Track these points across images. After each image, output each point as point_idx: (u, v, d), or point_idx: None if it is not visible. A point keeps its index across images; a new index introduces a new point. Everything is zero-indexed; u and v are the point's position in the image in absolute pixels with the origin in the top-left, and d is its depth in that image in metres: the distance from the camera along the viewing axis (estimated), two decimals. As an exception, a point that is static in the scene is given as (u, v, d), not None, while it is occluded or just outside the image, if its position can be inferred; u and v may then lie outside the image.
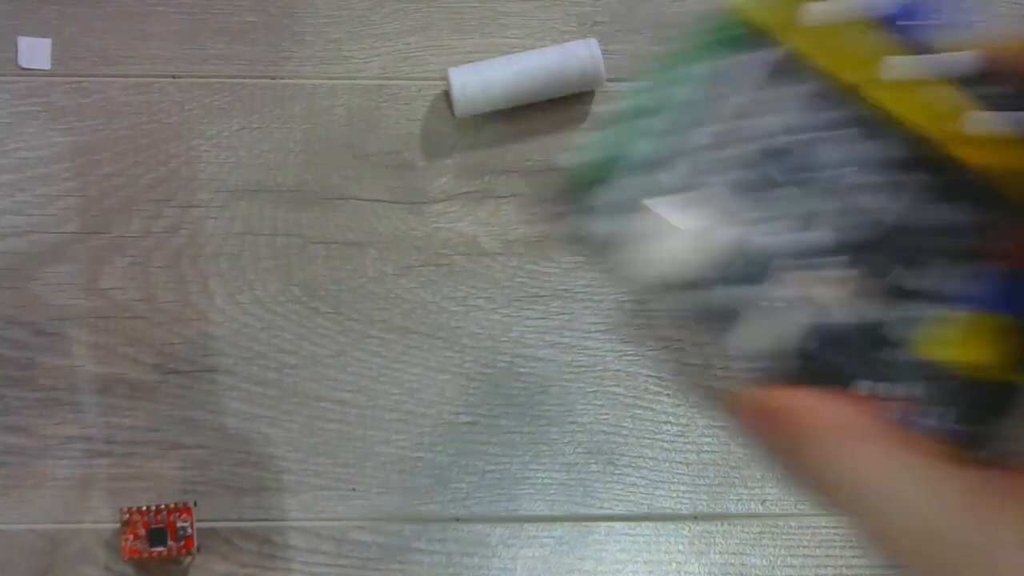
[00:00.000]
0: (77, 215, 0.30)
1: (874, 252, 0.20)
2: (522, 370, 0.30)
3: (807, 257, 0.20)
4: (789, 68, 0.20)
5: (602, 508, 0.30)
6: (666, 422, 0.30)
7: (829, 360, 0.20)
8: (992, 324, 0.19)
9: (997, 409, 0.20)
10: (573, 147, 0.21)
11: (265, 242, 0.30)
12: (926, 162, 0.19)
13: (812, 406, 0.20)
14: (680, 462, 0.30)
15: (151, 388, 0.30)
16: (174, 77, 0.31)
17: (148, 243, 0.30)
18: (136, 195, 0.30)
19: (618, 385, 0.31)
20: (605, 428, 0.30)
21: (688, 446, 0.30)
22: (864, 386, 0.20)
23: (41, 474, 0.29)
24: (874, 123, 0.20)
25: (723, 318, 0.20)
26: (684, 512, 0.30)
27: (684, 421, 0.31)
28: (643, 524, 0.30)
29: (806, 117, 0.20)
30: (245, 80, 0.31)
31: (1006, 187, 0.19)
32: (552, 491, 0.30)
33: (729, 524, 0.30)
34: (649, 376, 0.31)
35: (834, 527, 0.30)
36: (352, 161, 0.31)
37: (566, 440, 0.30)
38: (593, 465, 0.30)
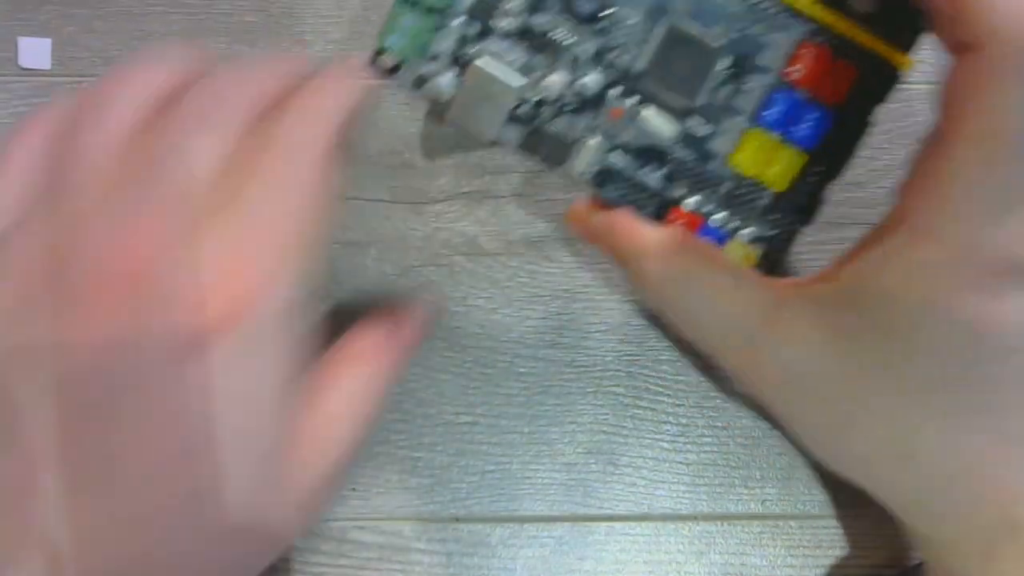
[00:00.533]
0: (77, 215, 0.30)
1: (686, 73, 0.23)
2: (522, 370, 0.31)
3: (626, 84, 0.23)
4: None
5: (602, 508, 0.30)
6: (666, 422, 0.30)
7: (652, 180, 0.23)
8: (779, 144, 0.23)
9: (787, 224, 0.24)
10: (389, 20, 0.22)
11: (265, 242, 0.30)
12: None
13: (629, 227, 0.24)
14: (680, 462, 0.30)
15: (151, 388, 0.30)
16: (174, 77, 0.31)
17: (148, 243, 0.30)
18: (136, 195, 0.30)
19: (618, 385, 0.31)
20: (605, 428, 0.30)
21: (688, 446, 0.30)
22: (688, 204, 0.23)
23: (41, 474, 0.29)
24: None
25: (558, 148, 0.23)
26: (684, 512, 0.30)
27: (684, 421, 0.31)
28: (643, 524, 0.30)
29: None
30: (245, 80, 0.31)
31: (802, 9, 0.22)
32: (552, 491, 0.30)
33: (729, 524, 0.30)
34: (649, 376, 0.31)
35: (834, 527, 0.30)
36: (352, 161, 0.31)
37: (566, 440, 0.30)
38: (593, 465, 0.30)
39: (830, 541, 0.30)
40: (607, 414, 0.30)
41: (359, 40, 0.31)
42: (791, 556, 0.30)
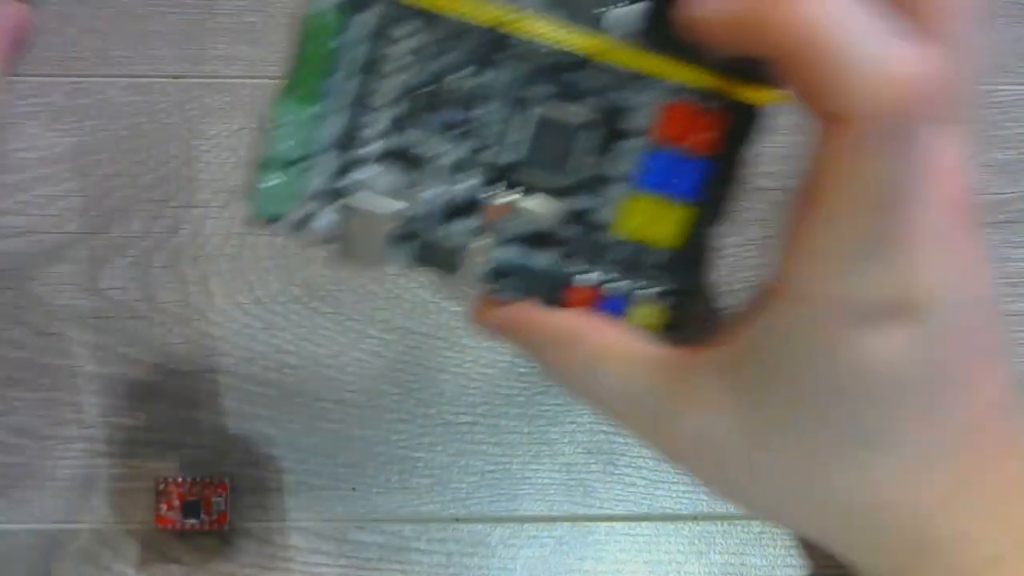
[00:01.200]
0: (77, 215, 0.30)
1: (559, 154, 0.23)
2: (522, 370, 0.31)
3: (503, 179, 0.23)
4: (407, 19, 0.21)
5: (602, 508, 0.30)
6: (666, 422, 0.30)
7: (544, 264, 0.23)
8: (663, 203, 0.23)
9: (688, 277, 0.24)
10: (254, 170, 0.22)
11: (265, 242, 0.30)
12: (569, 67, 0.22)
13: (528, 320, 0.24)
14: (680, 462, 0.30)
15: (151, 388, 0.30)
16: (174, 77, 0.31)
17: (148, 243, 0.30)
18: (136, 195, 0.30)
19: (618, 385, 0.31)
20: (605, 428, 0.30)
21: (688, 446, 0.30)
22: (583, 280, 0.23)
23: (41, 474, 0.29)
24: (507, 46, 0.22)
25: (447, 257, 0.23)
26: (684, 512, 0.30)
27: (684, 421, 0.31)
28: (643, 524, 0.30)
29: (445, 61, 0.22)
30: (245, 80, 0.31)
31: (653, 71, 0.22)
32: (552, 491, 0.30)
33: (729, 524, 0.30)
34: (649, 376, 0.31)
35: (834, 527, 0.30)
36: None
37: (566, 440, 0.30)
38: (593, 465, 0.30)
39: (830, 541, 0.30)
40: (607, 414, 0.30)
41: (359, 40, 0.31)
42: (791, 556, 0.30)
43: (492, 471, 0.30)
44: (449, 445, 0.30)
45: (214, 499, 0.28)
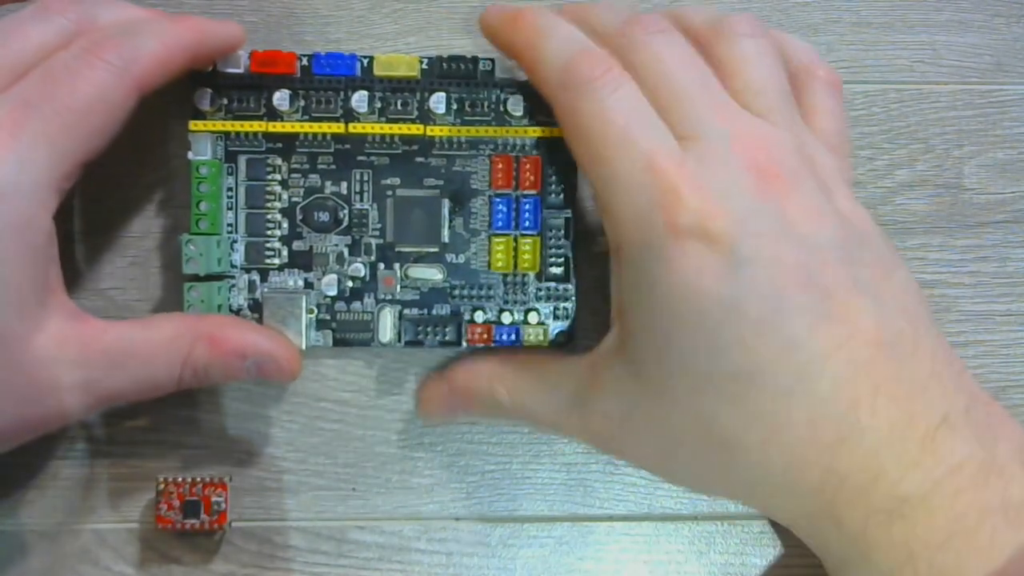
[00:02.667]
0: (77, 215, 0.30)
1: (424, 225, 0.28)
2: (522, 370, 0.30)
3: (386, 256, 0.28)
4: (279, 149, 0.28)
5: (602, 508, 0.30)
6: (666, 422, 0.30)
7: (443, 313, 0.28)
8: (518, 239, 0.28)
9: (557, 288, 0.28)
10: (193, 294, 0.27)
11: (265, 242, 0.30)
12: (414, 154, 0.28)
13: (466, 377, 0.28)
14: (680, 462, 0.30)
15: (151, 388, 0.30)
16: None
17: (148, 243, 0.30)
18: (136, 195, 0.30)
19: (618, 385, 0.31)
20: (605, 428, 0.30)
21: (688, 446, 0.30)
22: (478, 317, 0.28)
23: (41, 474, 0.29)
24: (360, 151, 0.28)
25: (362, 330, 0.28)
26: (684, 512, 0.30)
27: (684, 421, 0.30)
28: (643, 524, 0.30)
29: (312, 178, 0.28)
30: (245, 80, 0.31)
31: (478, 133, 0.28)
32: (552, 491, 0.30)
33: (729, 524, 0.30)
34: (649, 376, 0.31)
35: (834, 527, 0.30)
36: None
37: (566, 440, 0.30)
38: (593, 465, 0.30)
39: (830, 541, 0.30)
40: (607, 414, 0.30)
41: (358, 41, 0.31)
42: (792, 555, 0.30)
43: (492, 471, 0.30)
44: (449, 445, 0.30)
45: (214, 499, 0.28)
